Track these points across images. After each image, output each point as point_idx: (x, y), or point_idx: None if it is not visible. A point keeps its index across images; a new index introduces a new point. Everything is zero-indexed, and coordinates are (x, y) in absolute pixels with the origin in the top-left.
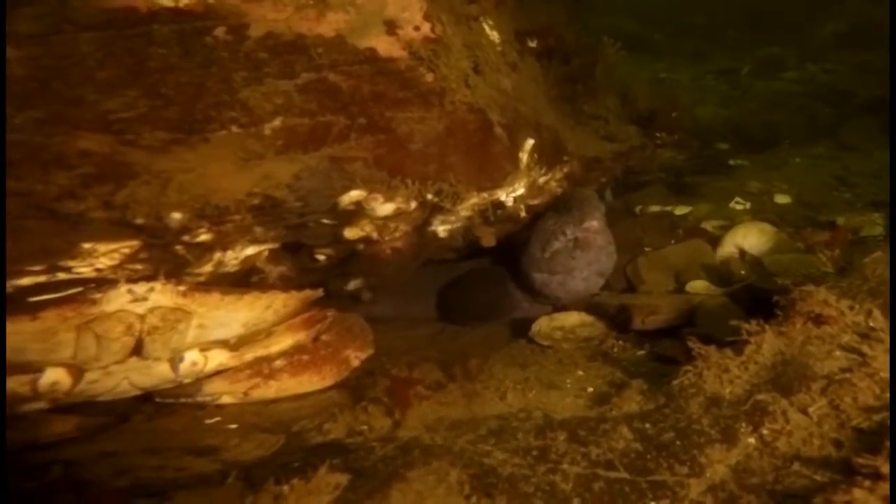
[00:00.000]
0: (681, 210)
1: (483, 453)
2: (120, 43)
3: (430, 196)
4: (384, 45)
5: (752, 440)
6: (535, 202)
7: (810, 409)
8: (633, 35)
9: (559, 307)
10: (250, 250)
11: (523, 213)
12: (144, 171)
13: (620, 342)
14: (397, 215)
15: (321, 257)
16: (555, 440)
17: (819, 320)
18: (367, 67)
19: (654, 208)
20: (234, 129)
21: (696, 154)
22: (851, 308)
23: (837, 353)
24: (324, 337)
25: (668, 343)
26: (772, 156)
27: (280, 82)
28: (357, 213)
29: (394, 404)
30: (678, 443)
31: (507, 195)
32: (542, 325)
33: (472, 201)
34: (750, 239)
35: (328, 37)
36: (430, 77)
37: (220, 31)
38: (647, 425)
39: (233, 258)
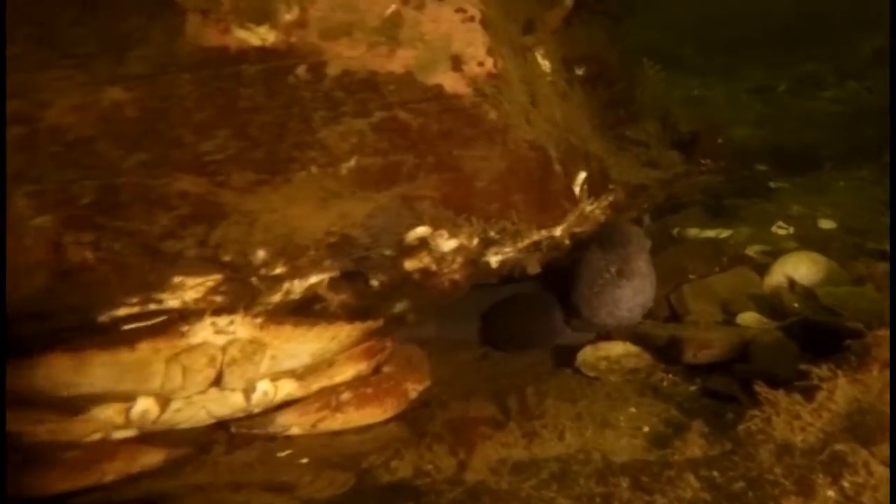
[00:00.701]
0: (721, 234)
1: (548, 500)
2: (214, 83)
3: (493, 234)
4: (450, 82)
5: (832, 493)
6: (579, 230)
7: None
8: (665, 51)
9: (602, 335)
10: (314, 279)
11: (567, 241)
12: (234, 211)
13: (670, 375)
14: (458, 249)
15: (375, 283)
16: (617, 486)
17: None
18: (434, 105)
19: (693, 231)
20: (314, 169)
21: (733, 175)
22: None
23: None
24: (385, 369)
25: (721, 379)
26: (813, 178)
27: (356, 121)
28: (420, 247)
29: (458, 444)
30: (750, 494)
31: (563, 230)
32: (587, 354)
33: (533, 239)
34: (801, 269)
35: (398, 73)
36: (493, 114)
37: (301, 70)
38: (715, 473)
39: (299, 287)
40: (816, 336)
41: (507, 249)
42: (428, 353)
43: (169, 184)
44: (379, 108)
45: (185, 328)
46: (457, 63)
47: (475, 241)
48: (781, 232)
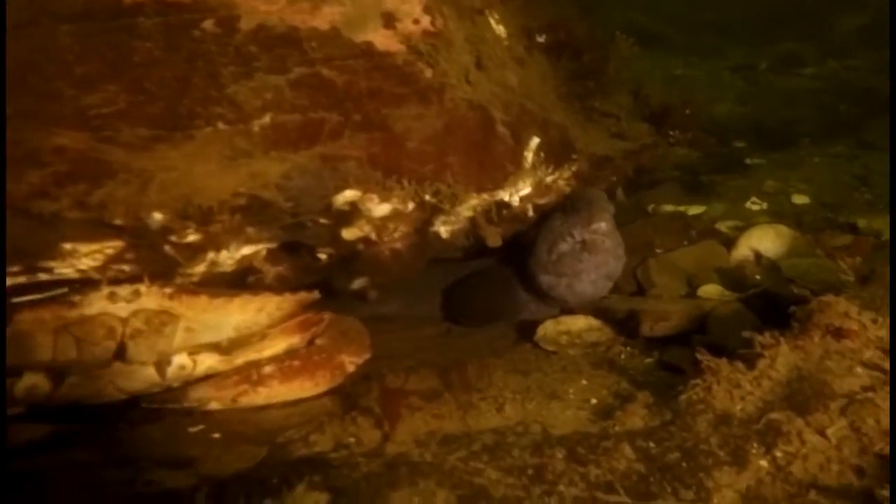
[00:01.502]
0: (694, 210)
1: (475, 472)
2: (101, 36)
3: (427, 197)
4: (381, 39)
5: (764, 463)
6: (542, 201)
7: (828, 431)
8: (647, 31)
9: (566, 310)
10: (246, 250)
11: (531, 213)
12: (123, 169)
13: (628, 349)
14: (395, 216)
15: (322, 256)
16: (552, 458)
17: (839, 334)
18: (362, 62)
19: (668, 207)
20: (221, 125)
21: (711, 152)
22: (874, 321)
23: (859, 369)
24: (318, 341)
25: (677, 351)
26: (790, 154)
27: (270, 77)
28: (353, 213)
29: (384, 417)
30: (684, 464)
31: (512, 195)
32: (547, 328)
33: (473, 202)
34: (766, 242)
35: (323, 30)
36: (428, 72)
37: (208, 24)
38: (651, 444)
39: (228, 258)
40: (776, 307)
41: (454, 218)
42: (390, 330)
43: (42, 139)
44: (299, 63)
45: (76, 298)
46: (389, 20)
47: (410, 206)
48: (755, 207)
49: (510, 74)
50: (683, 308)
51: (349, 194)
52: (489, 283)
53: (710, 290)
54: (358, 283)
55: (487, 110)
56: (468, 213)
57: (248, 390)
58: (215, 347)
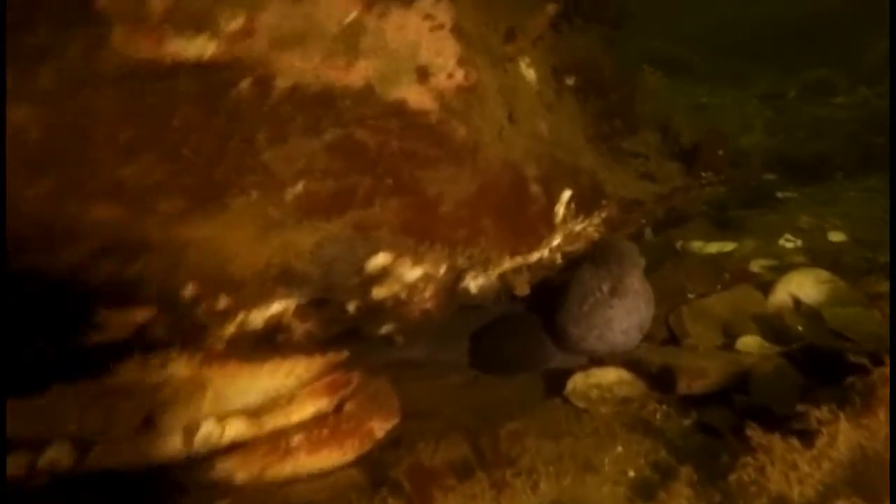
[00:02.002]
0: (725, 247)
1: None
2: (144, 100)
3: (460, 261)
4: (415, 96)
5: None
6: (571, 248)
7: None
8: (671, 57)
9: (595, 360)
10: (275, 308)
11: (559, 260)
12: (158, 241)
13: (664, 407)
14: (426, 278)
15: (351, 308)
16: None
17: None
18: (395, 121)
19: (697, 244)
20: (255, 194)
21: (740, 185)
22: None
23: None
24: (347, 406)
25: (717, 412)
26: (823, 188)
27: (305, 140)
28: (384, 275)
29: (416, 497)
30: None
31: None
32: (577, 382)
33: (506, 266)
34: (805, 287)
35: (357, 87)
36: (462, 131)
37: (245, 84)
38: None
39: (258, 317)
40: (821, 363)
41: (485, 276)
42: (416, 377)
43: (80, 214)
44: (333, 125)
45: (105, 367)
46: (423, 75)
47: (442, 269)
48: (789, 245)
49: (541, 122)
50: (722, 364)
51: (381, 259)
52: (517, 332)
53: (750, 343)
54: (385, 329)
55: (520, 169)
56: (499, 272)
57: (275, 462)
58: (243, 413)
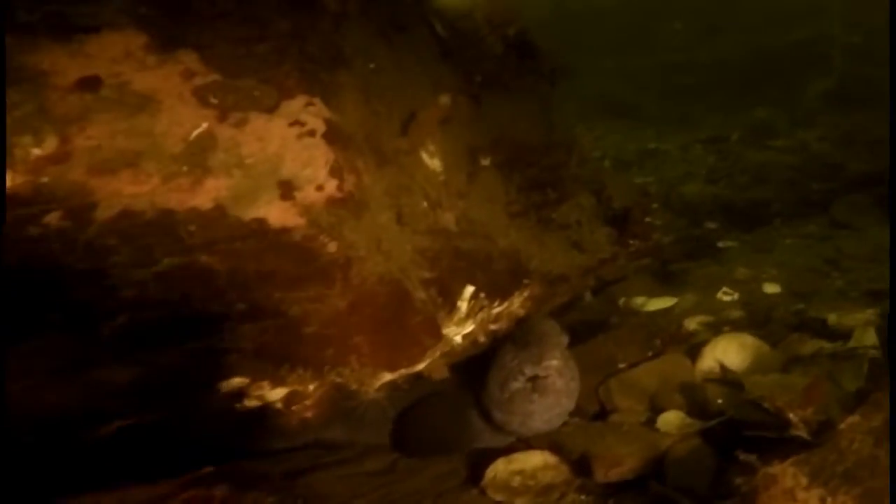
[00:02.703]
0: (665, 303)
1: None
2: None
3: (331, 378)
4: (277, 214)
5: None
6: (494, 327)
7: None
8: (621, 100)
9: (522, 440)
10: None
11: (483, 339)
12: None
13: (583, 496)
14: (298, 395)
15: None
16: None
17: None
18: (252, 243)
19: (639, 300)
20: (56, 336)
21: (684, 236)
22: (822, 501)
23: None
24: None
25: (633, 501)
26: (762, 236)
27: (132, 272)
28: (245, 394)
29: None
30: None
31: (451, 339)
32: (498, 469)
33: (386, 379)
34: (730, 353)
35: (204, 209)
36: (332, 247)
37: (52, 218)
38: None
39: None
40: (737, 438)
41: (374, 385)
42: (329, 463)
43: None
44: (170, 253)
45: None
46: (287, 189)
47: (311, 387)
48: (727, 298)
49: (446, 214)
50: (638, 449)
51: (236, 381)
52: (442, 412)
53: (671, 420)
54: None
55: (402, 282)
56: (390, 378)
57: None
58: None
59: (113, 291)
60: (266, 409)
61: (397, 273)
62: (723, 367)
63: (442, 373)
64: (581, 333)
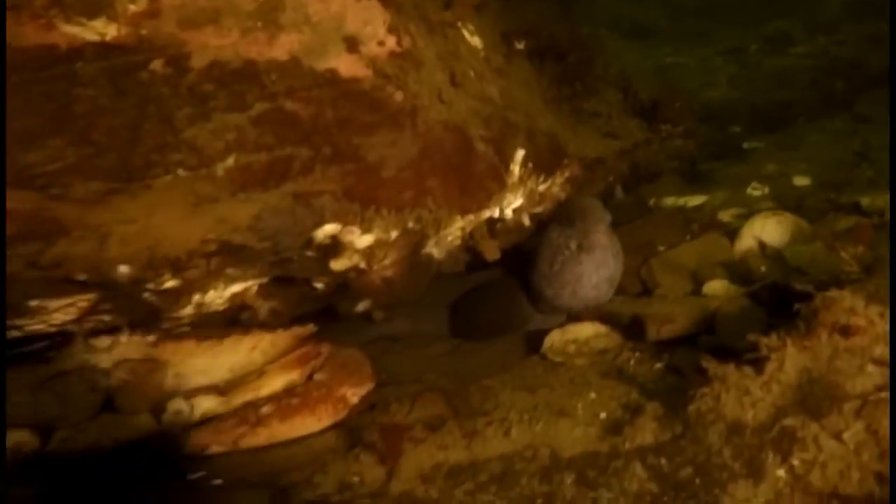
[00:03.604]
0: (696, 200)
1: None
2: (37, 87)
3: (410, 224)
4: (346, 65)
5: (781, 473)
6: (538, 210)
7: (845, 436)
8: (635, 20)
9: (573, 317)
10: (236, 287)
11: (527, 223)
12: (77, 225)
13: (637, 354)
14: (381, 245)
15: (319, 285)
16: (562, 484)
17: (846, 331)
18: (328, 91)
19: (669, 200)
20: (182, 172)
21: (708, 139)
22: (882, 315)
23: (870, 368)
24: (317, 376)
25: (685, 355)
26: (787, 135)
27: (230, 116)
28: (337, 246)
29: (386, 453)
30: (698, 480)
31: (503, 210)
32: (554, 339)
33: (459, 224)
34: (769, 230)
35: (282, 60)
36: (399, 96)
37: (157, 65)
38: (663, 460)
39: (216, 298)
40: (784, 300)
41: (444, 239)
42: (399, 350)
43: None
44: (259, 98)
45: (51, 353)
46: (352, 44)
47: (394, 234)
48: (756, 193)
49: (490, 87)
50: (689, 309)
51: (329, 228)
52: (494, 297)
53: (716, 287)
54: (362, 306)
55: (464, 130)
56: (458, 234)
57: (248, 432)
58: (212, 389)
59: (217, 133)
60: (355, 271)
61: (460, 122)
62: (762, 245)
63: (495, 254)
64: (616, 227)
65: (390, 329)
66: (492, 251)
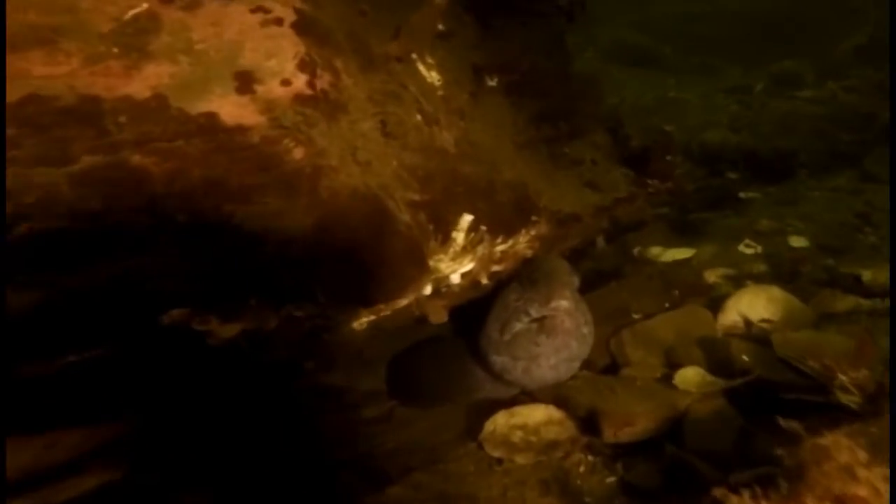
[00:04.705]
0: (683, 254)
1: None
2: None
3: (294, 312)
4: (231, 109)
5: None
6: (498, 268)
7: None
8: (640, 48)
9: (527, 392)
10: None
11: (485, 281)
12: None
13: (589, 457)
14: (260, 332)
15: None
16: None
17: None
18: (199, 142)
19: (655, 250)
20: None
21: (703, 186)
22: (885, 479)
23: None
24: None
25: (643, 468)
26: (787, 188)
27: (37, 171)
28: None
29: None
30: None
31: (445, 278)
32: (498, 422)
33: (363, 319)
34: (757, 307)
35: (140, 99)
36: (298, 153)
37: None
38: None
39: None
40: (767, 400)
41: (352, 326)
42: (327, 410)
43: None
44: (91, 150)
45: None
46: (245, 82)
47: (273, 323)
48: (748, 251)
49: (443, 133)
50: (653, 408)
51: (176, 313)
52: (440, 357)
53: (690, 377)
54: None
55: (381, 200)
56: (369, 319)
57: None
58: None
59: (9, 195)
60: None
61: (376, 189)
62: (748, 322)
63: (441, 317)
64: (593, 282)
65: (327, 380)
66: (437, 314)
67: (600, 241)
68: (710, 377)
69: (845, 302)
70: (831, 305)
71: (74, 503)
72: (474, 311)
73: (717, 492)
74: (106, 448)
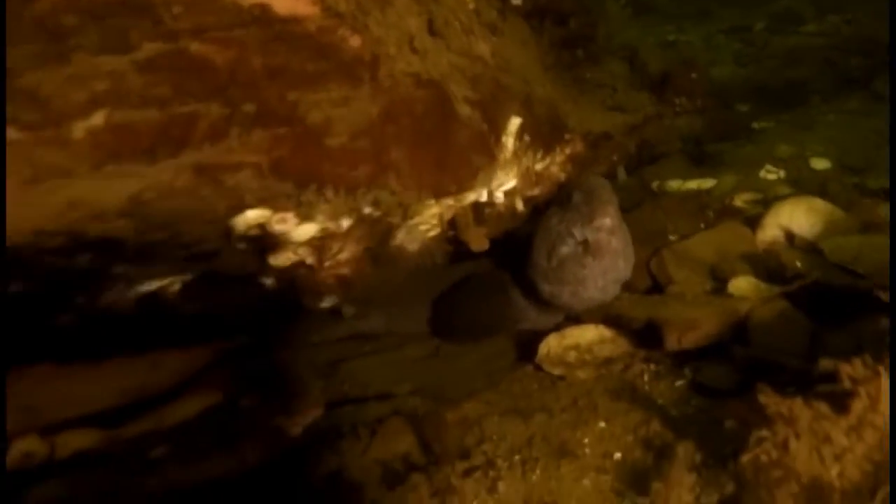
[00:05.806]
0: (704, 184)
1: None
2: None
3: (367, 210)
4: (283, 1)
5: None
6: (534, 193)
7: None
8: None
9: (572, 316)
10: (147, 287)
11: (521, 208)
12: None
13: (651, 366)
14: (331, 237)
15: (268, 281)
16: None
17: None
18: (255, 32)
19: (674, 183)
20: (13, 133)
21: (714, 118)
22: None
23: None
24: (243, 401)
25: (714, 369)
26: (800, 115)
27: (101, 59)
28: (269, 237)
29: None
30: None
31: (493, 192)
32: (551, 345)
33: (433, 211)
34: (798, 219)
35: None
36: (355, 41)
37: None
38: None
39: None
40: (830, 303)
41: (418, 229)
42: (371, 351)
43: None
44: (151, 38)
45: None
46: None
47: (345, 223)
48: (771, 176)
49: (480, 43)
50: (715, 311)
51: (252, 215)
52: (482, 292)
53: (744, 285)
54: (328, 302)
55: (443, 86)
56: (435, 222)
57: None
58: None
59: (78, 81)
60: (302, 267)
61: (438, 77)
62: (789, 236)
63: (483, 244)
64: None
65: (363, 325)
66: (479, 241)
67: (621, 173)
68: (764, 285)
69: (884, 208)
70: (873, 213)
71: (184, 426)
72: (510, 242)
73: (825, 362)
74: (202, 372)
